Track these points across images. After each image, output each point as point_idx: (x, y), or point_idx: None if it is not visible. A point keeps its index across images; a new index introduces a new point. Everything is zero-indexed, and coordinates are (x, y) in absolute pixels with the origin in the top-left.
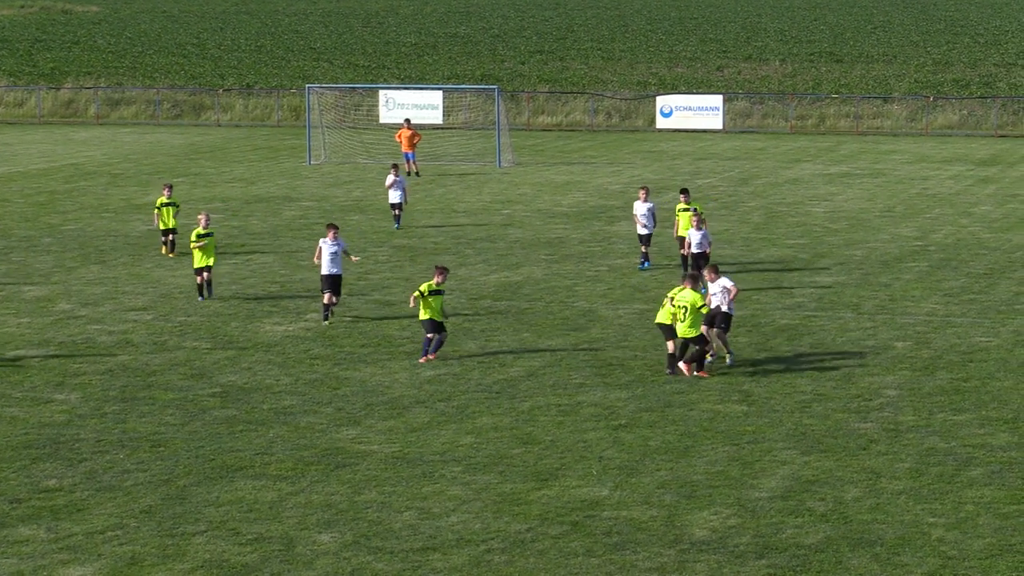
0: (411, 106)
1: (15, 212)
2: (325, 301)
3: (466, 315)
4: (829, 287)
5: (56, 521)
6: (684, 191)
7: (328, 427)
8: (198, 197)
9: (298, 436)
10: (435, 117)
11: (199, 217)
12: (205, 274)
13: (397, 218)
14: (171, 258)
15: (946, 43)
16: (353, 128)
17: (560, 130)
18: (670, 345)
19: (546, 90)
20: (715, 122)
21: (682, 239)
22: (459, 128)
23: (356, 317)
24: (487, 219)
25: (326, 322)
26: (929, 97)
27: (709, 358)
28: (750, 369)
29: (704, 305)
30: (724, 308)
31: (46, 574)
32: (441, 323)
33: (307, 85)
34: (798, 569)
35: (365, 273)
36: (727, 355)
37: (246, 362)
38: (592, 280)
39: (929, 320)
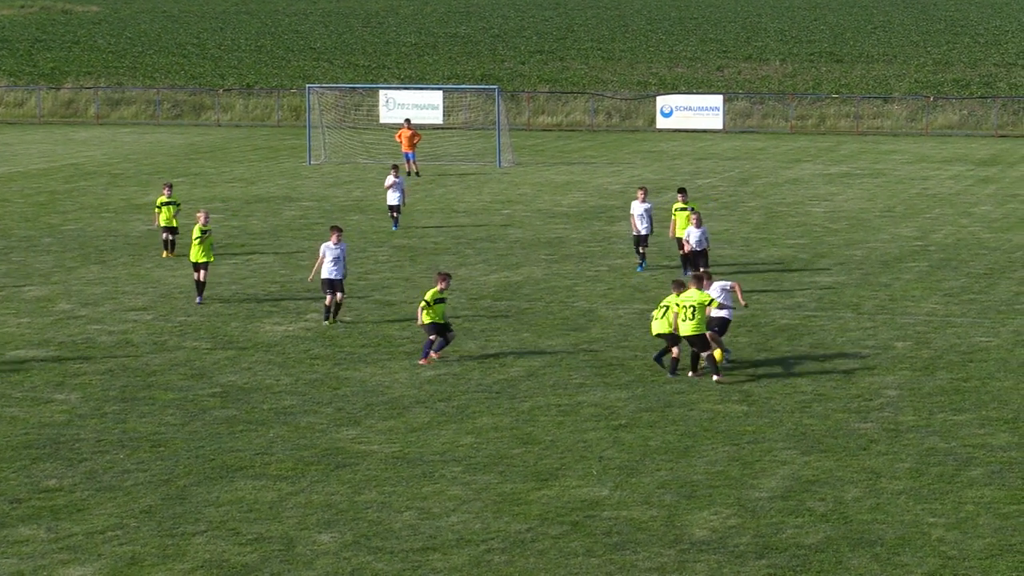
0: (411, 106)
1: (15, 212)
2: (327, 303)
3: (466, 315)
4: (829, 287)
5: (56, 521)
6: (681, 190)
7: (328, 427)
8: (198, 197)
9: (298, 436)
10: (435, 117)
11: (198, 214)
12: (202, 272)
13: (395, 220)
14: (171, 258)
15: (946, 43)
16: (353, 128)
17: (560, 130)
18: (674, 350)
19: (546, 90)
20: (715, 122)
21: (679, 240)
22: (459, 128)
23: (356, 317)
24: (487, 219)
25: (326, 322)
26: (929, 97)
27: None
28: (750, 369)
29: (713, 300)
30: (725, 313)
31: (46, 574)
32: (445, 324)
33: (307, 85)
34: (798, 569)
35: (365, 273)
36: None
37: (246, 362)
38: (592, 280)
39: (929, 320)
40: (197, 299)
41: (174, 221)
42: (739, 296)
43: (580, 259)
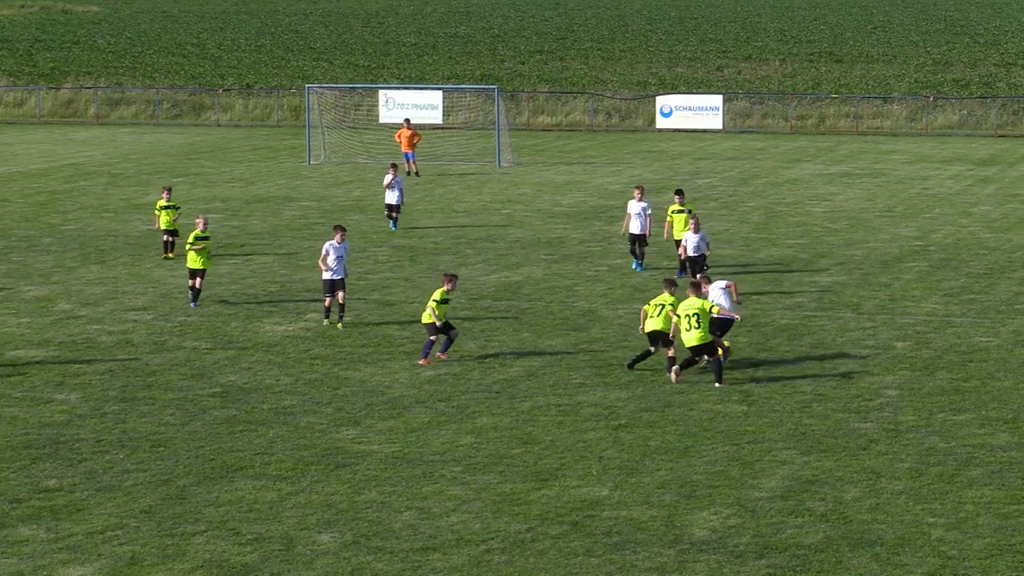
0: (411, 106)
1: (15, 212)
2: (327, 304)
3: (466, 315)
4: (829, 287)
5: (56, 521)
6: (679, 192)
7: (328, 427)
8: (198, 197)
9: (298, 436)
10: (435, 117)
11: (197, 220)
12: (198, 279)
13: (394, 220)
14: (170, 258)
15: (946, 43)
16: (353, 128)
17: (560, 130)
18: (670, 351)
19: (546, 90)
20: (715, 122)
21: (677, 242)
22: (459, 128)
23: (356, 317)
24: (487, 219)
25: (326, 320)
26: (929, 97)
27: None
28: (750, 369)
29: (715, 305)
30: (726, 313)
31: (46, 574)
32: (446, 324)
33: (307, 85)
34: (798, 569)
35: (365, 273)
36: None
37: (246, 362)
38: (592, 280)
39: (929, 320)
40: (192, 303)
41: (174, 224)
42: (734, 294)
43: (580, 259)
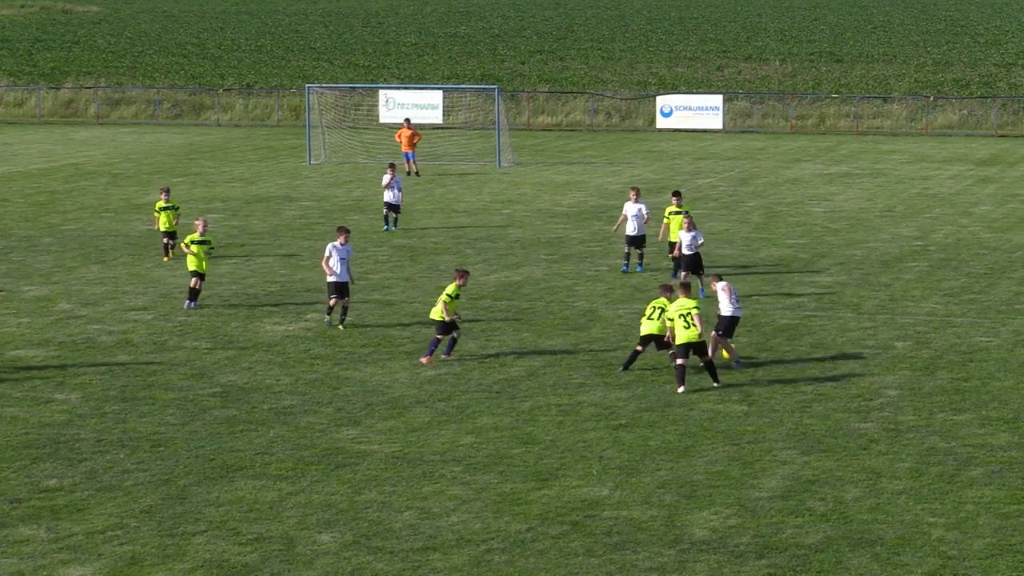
0: (411, 106)
1: (15, 212)
2: (331, 304)
3: (466, 315)
4: (829, 287)
5: (56, 521)
6: (676, 193)
7: (328, 427)
8: (198, 197)
9: (298, 436)
10: (435, 117)
11: (196, 223)
12: (199, 280)
13: (395, 220)
14: (171, 260)
15: (946, 43)
16: (353, 128)
17: (560, 130)
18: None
19: (546, 90)
20: (715, 122)
21: (672, 244)
22: (459, 128)
23: (356, 317)
24: (487, 219)
25: (327, 318)
26: (929, 97)
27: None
28: (750, 369)
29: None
30: (729, 311)
31: (46, 574)
32: (452, 323)
33: (307, 85)
34: (798, 569)
35: (365, 273)
36: (733, 362)
37: (246, 362)
38: (592, 280)
39: (929, 320)
40: (189, 303)
41: (174, 226)
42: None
43: (580, 259)
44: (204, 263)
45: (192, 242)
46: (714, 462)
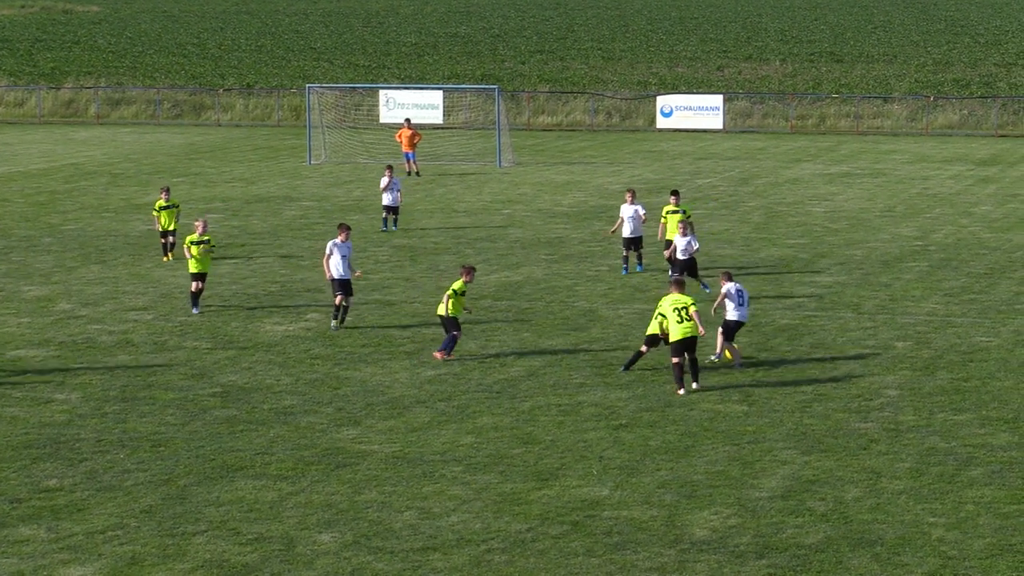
0: (411, 106)
1: (15, 212)
2: (337, 303)
3: (466, 315)
4: (829, 287)
5: (56, 521)
6: (674, 192)
7: (328, 427)
8: (198, 197)
9: (298, 436)
10: (435, 117)
11: (196, 223)
12: (200, 283)
13: (394, 221)
14: (169, 261)
15: (946, 43)
16: (353, 128)
17: (560, 130)
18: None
19: (546, 90)
20: (715, 122)
21: (669, 243)
22: (459, 128)
23: (357, 317)
24: (487, 219)
25: (335, 321)
26: (929, 97)
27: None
28: (750, 369)
29: (693, 305)
30: (734, 316)
31: (46, 574)
32: (455, 321)
33: (307, 85)
34: (798, 569)
35: (365, 273)
36: (735, 363)
37: (246, 362)
38: (592, 280)
39: (929, 320)
40: (194, 309)
41: (173, 224)
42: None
43: (580, 259)
44: (206, 263)
45: (192, 243)
46: (714, 462)
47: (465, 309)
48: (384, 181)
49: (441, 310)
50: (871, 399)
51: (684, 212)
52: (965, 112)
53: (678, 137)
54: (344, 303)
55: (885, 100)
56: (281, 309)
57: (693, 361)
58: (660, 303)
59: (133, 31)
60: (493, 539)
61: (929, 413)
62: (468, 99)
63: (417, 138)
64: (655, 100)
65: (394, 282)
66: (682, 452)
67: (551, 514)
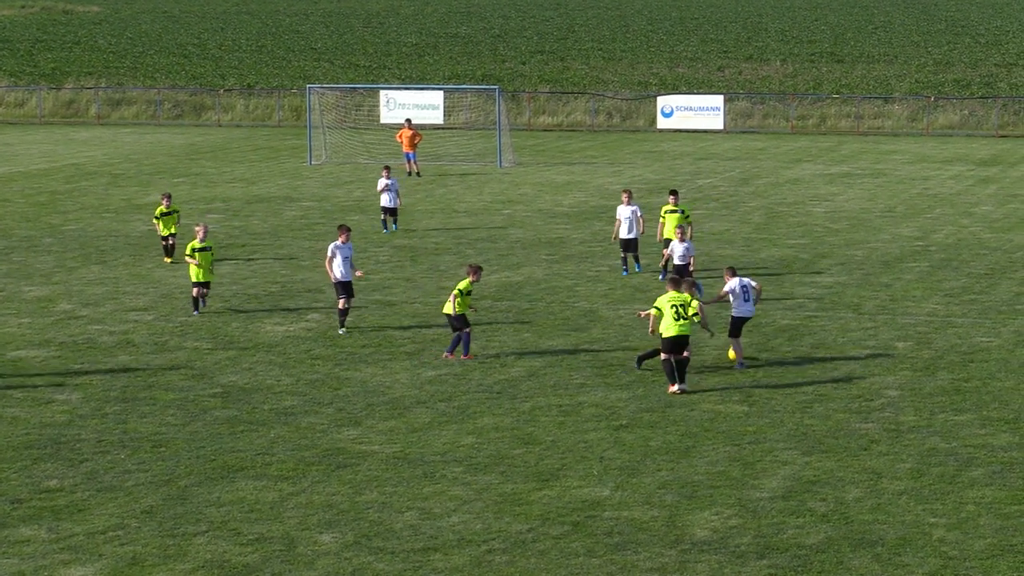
0: (412, 106)
1: (16, 212)
2: (341, 306)
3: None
4: (830, 287)
5: (57, 521)
6: (673, 192)
7: (329, 427)
8: (199, 197)
9: (299, 436)
10: (436, 117)
11: (196, 229)
12: (204, 290)
13: (394, 222)
14: (169, 263)
15: (947, 43)
16: (354, 128)
17: (561, 130)
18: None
19: (547, 90)
20: (716, 122)
21: (668, 242)
22: (460, 128)
23: (357, 318)
24: (488, 219)
25: (343, 330)
26: (930, 97)
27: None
28: (751, 370)
29: (695, 301)
30: (739, 313)
31: (47, 574)
32: (464, 319)
33: (308, 85)
34: (799, 569)
35: (366, 273)
36: (736, 363)
37: (247, 362)
38: (593, 280)
39: (930, 320)
40: (194, 311)
41: (173, 228)
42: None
43: (581, 259)
44: (209, 271)
45: (194, 250)
46: (715, 462)
47: (470, 308)
48: (381, 183)
49: (447, 309)
50: (872, 399)
51: (683, 212)
52: (966, 112)
53: (679, 137)
54: (344, 305)
55: (886, 100)
56: (282, 310)
57: (680, 362)
58: (658, 300)
59: (134, 31)
60: (494, 539)
61: (930, 413)
62: (469, 99)
63: (418, 138)
64: (656, 100)
65: (395, 282)
66: (683, 452)
67: (552, 514)
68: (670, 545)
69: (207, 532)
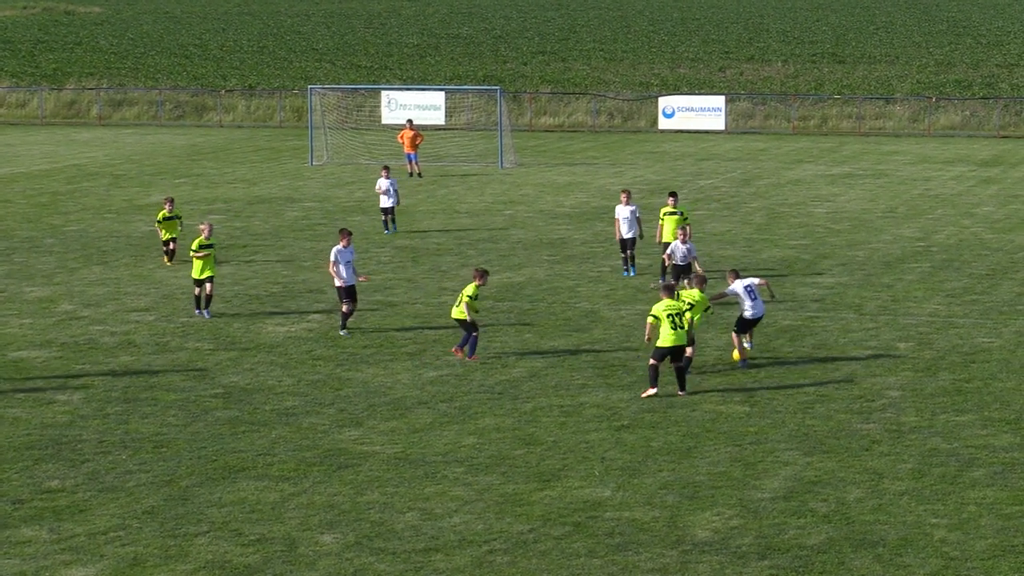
0: (413, 107)
1: (17, 213)
2: (345, 310)
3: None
4: (831, 288)
5: (58, 522)
6: (672, 194)
7: (330, 428)
8: (200, 198)
9: (300, 437)
10: (437, 118)
11: (201, 227)
12: (207, 286)
13: (392, 222)
14: (170, 266)
15: (948, 44)
16: (355, 129)
17: (562, 131)
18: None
19: (548, 91)
20: (717, 123)
21: (667, 245)
22: (461, 129)
23: (358, 318)
24: (489, 220)
25: (344, 331)
26: (931, 98)
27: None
28: (752, 370)
29: (688, 311)
30: (748, 314)
31: (48, 575)
32: (474, 322)
33: (309, 86)
34: (800, 570)
35: (367, 274)
36: (738, 363)
37: (248, 363)
38: (594, 281)
39: (931, 321)
40: (205, 313)
41: (175, 233)
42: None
43: (582, 260)
44: (212, 268)
45: (201, 246)
46: (716, 463)
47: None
48: (382, 184)
49: (458, 314)
50: (873, 400)
51: (681, 214)
52: (967, 113)
53: (680, 138)
54: (346, 309)
55: (887, 101)
56: (283, 310)
57: (680, 370)
58: (654, 308)
59: (135, 32)
60: (495, 540)
61: (931, 414)
62: (470, 100)
63: (419, 139)
64: (657, 101)
65: (396, 283)
66: (684, 453)
67: (553, 515)
68: (671, 546)
69: (208, 533)
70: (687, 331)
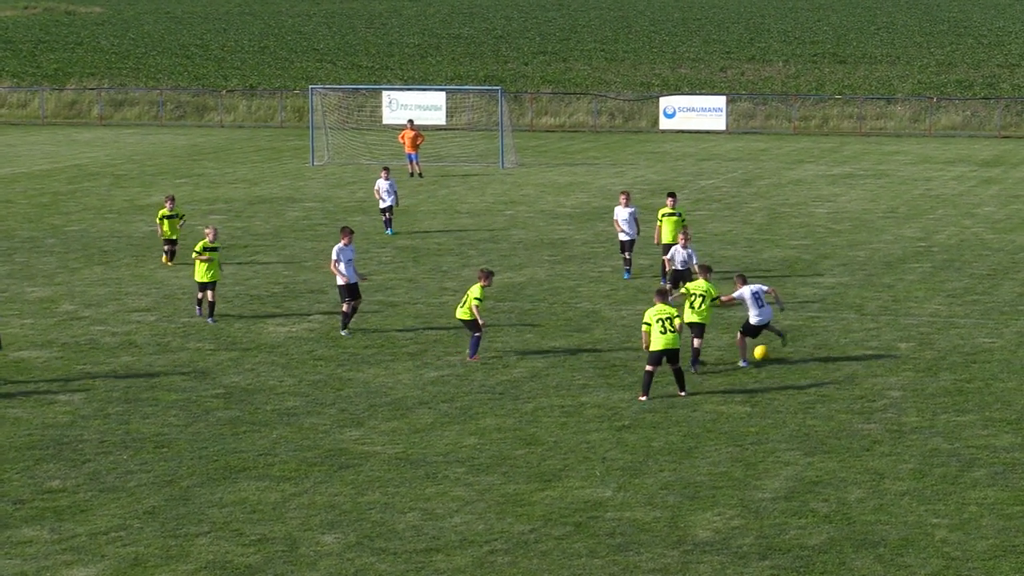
0: (414, 107)
1: (19, 213)
2: (345, 309)
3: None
4: (832, 288)
5: (59, 522)
6: (671, 194)
7: (331, 428)
8: (201, 198)
9: (301, 437)
10: (438, 118)
11: (207, 231)
12: (209, 292)
13: (389, 222)
14: (170, 266)
15: (949, 44)
16: (356, 129)
17: (563, 131)
18: (696, 342)
19: (549, 91)
20: (718, 123)
21: (667, 246)
22: (462, 129)
23: (359, 318)
24: (490, 220)
25: (345, 331)
26: (932, 98)
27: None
28: (753, 370)
29: (678, 317)
30: (755, 320)
31: (49, 575)
32: (478, 323)
33: (310, 86)
34: (801, 570)
35: (368, 274)
36: (740, 362)
37: (249, 363)
38: (595, 281)
39: (932, 321)
40: (209, 320)
41: (176, 233)
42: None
43: (583, 260)
44: (217, 271)
45: (205, 248)
46: (717, 463)
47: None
48: (383, 185)
49: (463, 314)
50: (874, 400)
51: (680, 215)
52: (968, 113)
53: (681, 138)
54: (348, 308)
55: (888, 101)
56: (284, 310)
57: (678, 371)
58: (645, 313)
59: (136, 32)
60: (496, 540)
61: (932, 414)
62: (471, 100)
63: (420, 139)
64: (658, 101)
65: (397, 283)
66: (685, 453)
67: (554, 515)
68: (672, 546)
69: (209, 533)
70: (702, 319)
